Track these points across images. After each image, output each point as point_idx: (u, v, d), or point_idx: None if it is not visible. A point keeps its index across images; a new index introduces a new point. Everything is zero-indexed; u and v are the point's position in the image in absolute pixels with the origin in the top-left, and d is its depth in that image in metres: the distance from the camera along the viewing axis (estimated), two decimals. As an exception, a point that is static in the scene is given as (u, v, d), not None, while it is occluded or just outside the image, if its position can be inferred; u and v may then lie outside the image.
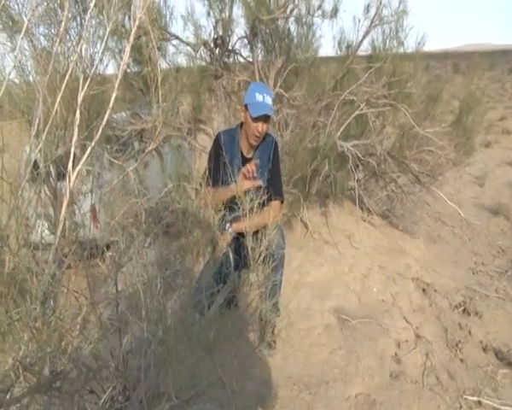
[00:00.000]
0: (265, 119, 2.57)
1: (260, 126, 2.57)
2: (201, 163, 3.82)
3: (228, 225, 2.51)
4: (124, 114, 4.02)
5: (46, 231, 1.45)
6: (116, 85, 1.26)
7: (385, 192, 4.91)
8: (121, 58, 3.54)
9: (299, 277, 3.54)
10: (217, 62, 4.21)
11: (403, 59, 4.37)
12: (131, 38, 1.23)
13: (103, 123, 1.24)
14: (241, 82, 4.38)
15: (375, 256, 3.99)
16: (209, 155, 2.76)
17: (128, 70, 3.90)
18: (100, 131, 1.23)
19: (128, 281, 1.73)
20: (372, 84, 4.30)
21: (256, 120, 2.55)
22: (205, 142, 4.26)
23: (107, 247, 1.70)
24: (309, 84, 4.30)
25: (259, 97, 2.56)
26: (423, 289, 3.62)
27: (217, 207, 2.45)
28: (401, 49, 4.39)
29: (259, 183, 2.49)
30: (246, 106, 2.60)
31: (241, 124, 2.72)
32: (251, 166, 2.49)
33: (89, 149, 1.20)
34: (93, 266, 1.67)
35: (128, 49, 1.27)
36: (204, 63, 4.22)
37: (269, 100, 2.58)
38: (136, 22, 1.19)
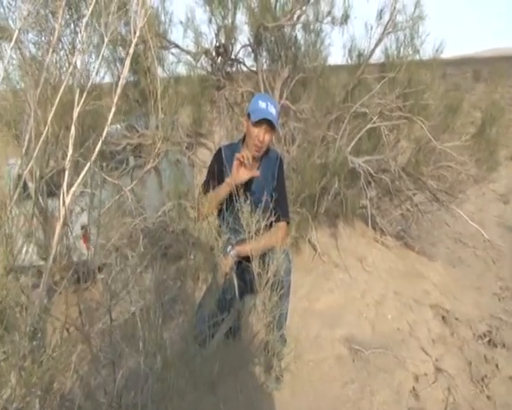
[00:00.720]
0: (267, 127, 2.56)
1: (262, 134, 2.56)
2: (202, 180, 3.83)
3: (230, 247, 2.48)
4: (118, 126, 4.02)
5: (34, 256, 1.43)
6: (115, 101, 1.26)
7: (399, 211, 4.88)
8: (116, 66, 3.57)
9: (307, 304, 3.51)
10: (219, 72, 4.24)
11: (419, 67, 4.37)
12: (131, 50, 1.23)
13: (100, 142, 1.24)
14: (245, 93, 4.41)
15: (390, 281, 3.96)
16: (209, 169, 2.75)
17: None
18: (97, 149, 1.23)
19: (123, 308, 1.71)
20: (385, 96, 4.31)
21: (257, 124, 2.54)
22: (205, 157, 4.26)
23: (99, 269, 1.68)
24: (317, 96, 4.32)
25: (262, 104, 2.57)
26: (443, 317, 3.58)
27: (215, 209, 2.44)
28: (417, 57, 4.41)
29: (257, 174, 2.50)
30: (248, 115, 2.60)
31: (244, 139, 2.72)
32: (245, 153, 2.49)
33: (85, 170, 1.20)
34: (84, 290, 1.65)
35: (127, 63, 1.27)
36: (205, 73, 4.25)
37: (272, 109, 2.57)
38: (137, 33, 1.19)
